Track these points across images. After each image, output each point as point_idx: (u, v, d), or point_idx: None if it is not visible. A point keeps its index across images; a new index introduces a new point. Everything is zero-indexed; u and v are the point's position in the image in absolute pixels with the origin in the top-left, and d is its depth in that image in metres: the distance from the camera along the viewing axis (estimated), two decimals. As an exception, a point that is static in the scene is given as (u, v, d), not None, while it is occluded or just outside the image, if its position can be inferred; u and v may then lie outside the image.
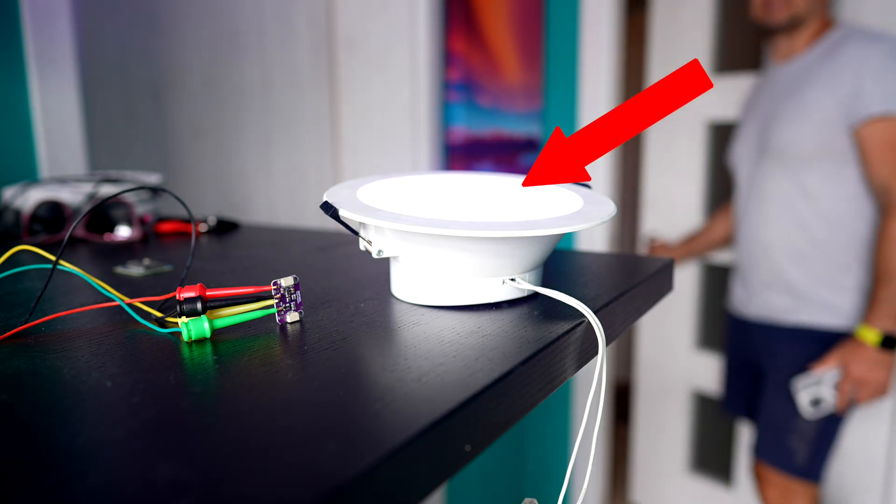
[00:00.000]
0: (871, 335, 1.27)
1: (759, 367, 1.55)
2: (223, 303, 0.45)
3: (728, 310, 1.66)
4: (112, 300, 0.52)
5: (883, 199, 1.29)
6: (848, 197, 1.34)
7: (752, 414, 1.61)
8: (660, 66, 1.87)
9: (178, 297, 0.44)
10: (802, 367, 1.41)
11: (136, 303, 0.47)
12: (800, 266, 1.41)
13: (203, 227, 0.84)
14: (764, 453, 1.45)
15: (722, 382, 1.71)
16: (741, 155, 1.53)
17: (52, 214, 0.81)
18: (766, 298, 1.47)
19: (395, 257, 0.49)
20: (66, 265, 0.47)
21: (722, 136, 1.84)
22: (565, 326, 0.44)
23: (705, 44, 1.77)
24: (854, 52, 1.29)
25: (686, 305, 1.94)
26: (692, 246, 1.75)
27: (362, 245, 0.49)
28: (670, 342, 1.97)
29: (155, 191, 0.89)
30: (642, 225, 1.97)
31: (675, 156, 1.89)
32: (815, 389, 1.32)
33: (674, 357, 1.96)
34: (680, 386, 1.96)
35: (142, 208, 0.84)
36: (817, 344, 1.40)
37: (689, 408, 1.96)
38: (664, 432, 2.02)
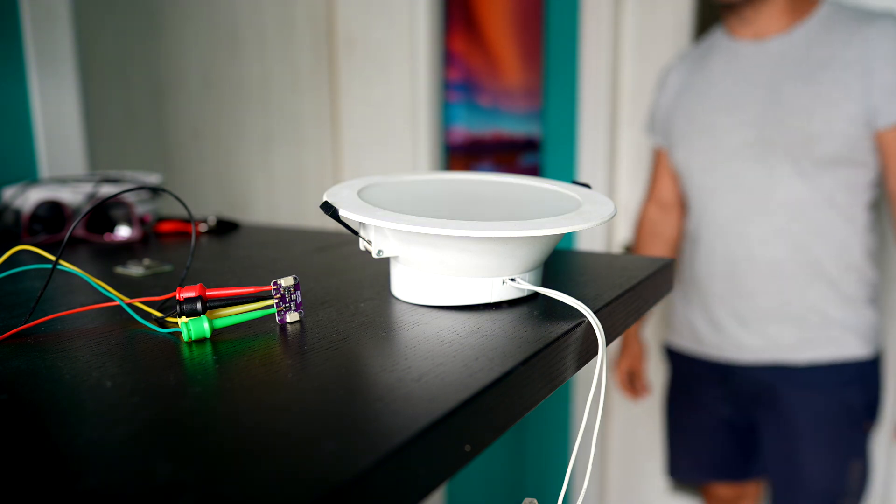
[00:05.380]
0: None
1: (752, 420, 1.33)
2: (223, 303, 0.45)
3: (680, 353, 1.38)
4: (112, 300, 0.51)
5: None
6: (868, 205, 1.20)
7: (725, 474, 1.41)
8: (633, 57, 1.68)
9: (178, 297, 0.44)
10: (837, 413, 1.21)
11: (136, 303, 0.47)
12: (823, 287, 1.20)
13: (203, 227, 0.84)
14: None
15: (673, 444, 1.45)
16: (705, 155, 1.26)
17: (52, 214, 0.81)
18: (770, 332, 1.23)
19: (395, 257, 0.49)
20: (66, 265, 0.47)
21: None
22: (565, 326, 0.44)
23: (683, 39, 1.64)
24: (881, 38, 1.12)
25: (657, 309, 1.76)
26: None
27: (362, 245, 0.49)
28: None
29: (155, 191, 0.89)
30: (614, 235, 1.78)
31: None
32: None
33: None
34: (655, 397, 1.80)
35: (142, 208, 0.84)
36: (842, 378, 1.21)
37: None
38: (641, 448, 1.89)
